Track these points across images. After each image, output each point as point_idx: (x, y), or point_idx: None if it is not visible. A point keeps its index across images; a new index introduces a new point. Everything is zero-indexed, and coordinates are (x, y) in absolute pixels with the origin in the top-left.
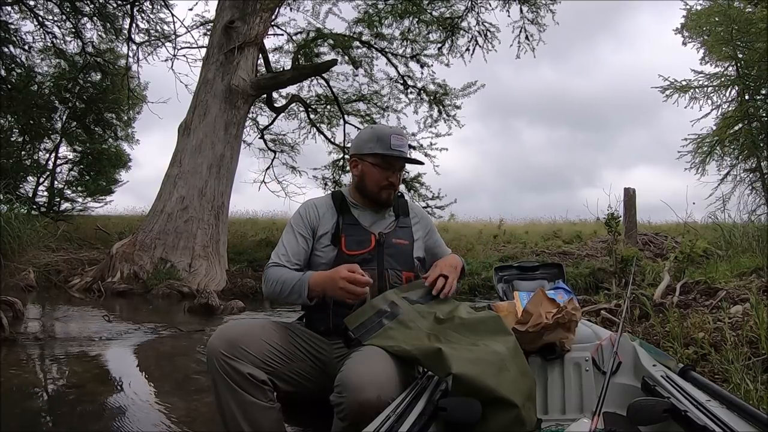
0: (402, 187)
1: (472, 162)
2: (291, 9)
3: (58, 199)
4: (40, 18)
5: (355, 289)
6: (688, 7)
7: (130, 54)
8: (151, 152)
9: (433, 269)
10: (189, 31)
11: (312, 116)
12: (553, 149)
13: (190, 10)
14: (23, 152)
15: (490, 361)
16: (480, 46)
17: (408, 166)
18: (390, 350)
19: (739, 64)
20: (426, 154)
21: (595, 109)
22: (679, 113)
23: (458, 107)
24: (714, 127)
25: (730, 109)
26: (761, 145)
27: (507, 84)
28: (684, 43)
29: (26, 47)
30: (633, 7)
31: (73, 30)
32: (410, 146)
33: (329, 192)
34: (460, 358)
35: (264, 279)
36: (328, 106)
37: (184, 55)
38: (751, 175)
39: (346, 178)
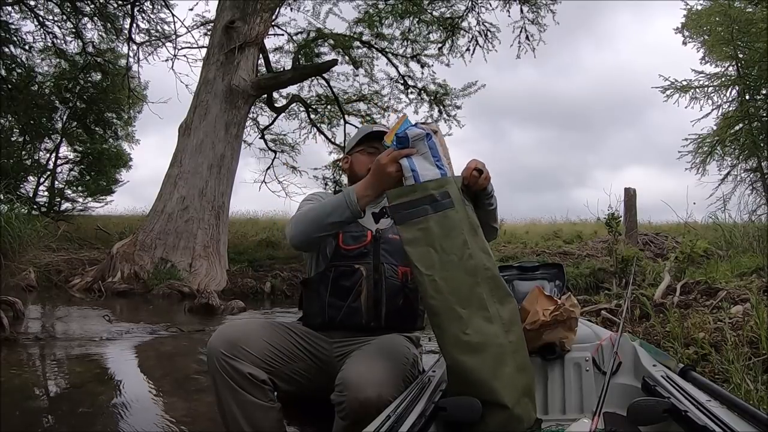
0: None
1: (463, 163)
2: (291, 9)
3: (59, 199)
4: (40, 18)
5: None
6: (688, 6)
7: (131, 54)
8: (149, 153)
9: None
10: (189, 31)
11: (312, 116)
12: (542, 150)
13: (191, 10)
14: (24, 152)
15: (491, 353)
16: (480, 46)
17: None
18: (417, 269)
19: (739, 64)
20: None
21: (580, 109)
22: (667, 113)
23: (458, 107)
24: (714, 127)
25: (731, 109)
26: (762, 145)
27: (492, 85)
28: (684, 43)
29: (27, 47)
30: (611, 7)
31: (74, 30)
32: None
33: (333, 191)
34: (459, 343)
35: (294, 221)
36: (329, 106)
37: (184, 55)
38: (751, 175)
39: (346, 179)
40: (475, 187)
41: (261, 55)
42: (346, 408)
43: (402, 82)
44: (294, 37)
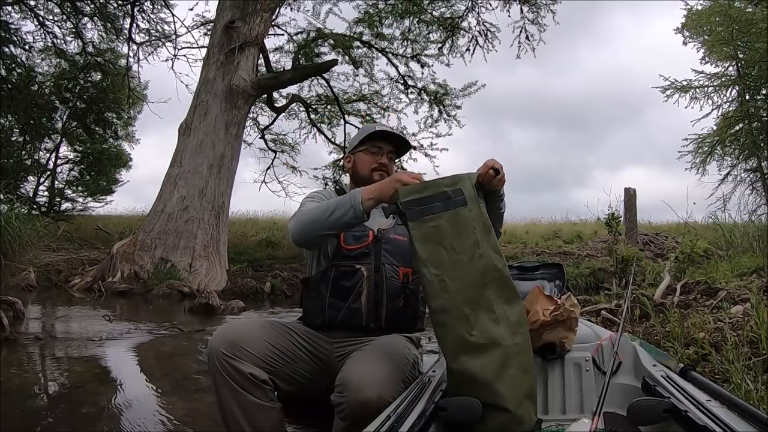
0: None
1: (463, 163)
2: (291, 9)
3: (59, 199)
4: (40, 18)
5: (418, 177)
6: (688, 6)
7: (131, 54)
8: (148, 153)
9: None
10: (189, 31)
11: (312, 116)
12: (541, 150)
13: (191, 10)
14: (24, 152)
15: (496, 355)
16: (480, 46)
17: (408, 166)
18: (425, 267)
19: (739, 64)
20: (426, 155)
21: (579, 109)
22: (665, 113)
23: (458, 107)
24: (714, 127)
25: (731, 109)
26: (762, 145)
27: (491, 85)
28: (684, 43)
29: (27, 47)
30: (609, 6)
31: (74, 30)
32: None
33: (333, 188)
34: (465, 344)
35: (296, 218)
36: (329, 106)
37: (184, 55)
38: (751, 175)
39: (347, 179)
40: (489, 186)
41: (261, 55)
42: (346, 409)
43: (402, 82)
44: (294, 37)
